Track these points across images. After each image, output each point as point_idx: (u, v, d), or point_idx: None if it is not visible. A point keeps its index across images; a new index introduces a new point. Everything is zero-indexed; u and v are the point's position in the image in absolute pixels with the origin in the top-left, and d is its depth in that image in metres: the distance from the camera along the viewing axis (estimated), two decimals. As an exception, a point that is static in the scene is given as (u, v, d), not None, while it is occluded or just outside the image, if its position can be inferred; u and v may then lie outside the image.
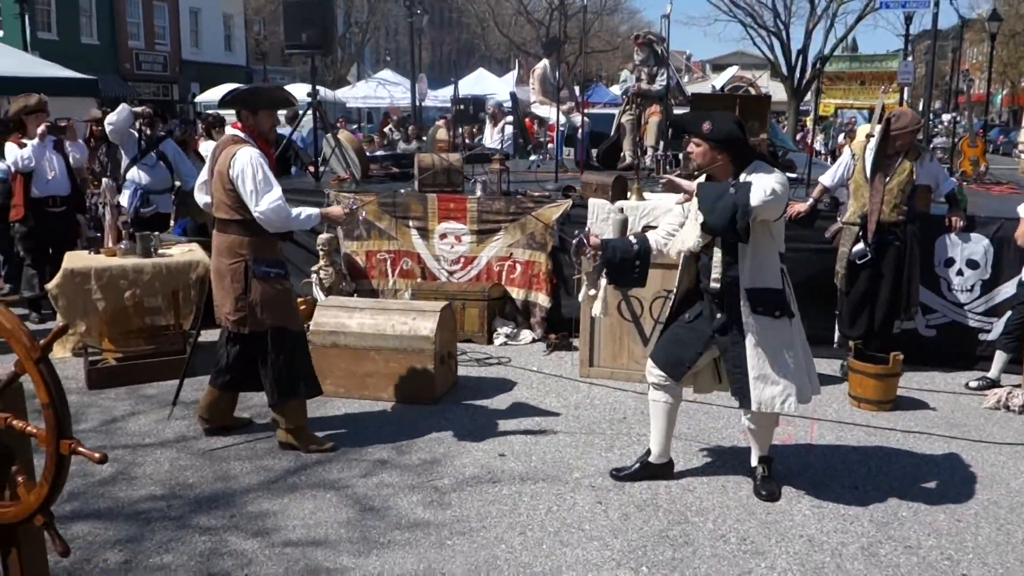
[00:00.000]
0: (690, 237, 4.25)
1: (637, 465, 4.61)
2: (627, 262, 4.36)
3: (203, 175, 4.95)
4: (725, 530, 4.09)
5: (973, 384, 6.18)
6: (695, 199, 4.14)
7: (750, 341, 4.12)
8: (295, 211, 4.65)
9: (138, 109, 7.84)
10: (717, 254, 4.15)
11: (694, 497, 4.42)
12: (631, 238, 4.51)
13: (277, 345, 4.78)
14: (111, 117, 7.66)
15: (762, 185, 3.92)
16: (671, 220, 4.44)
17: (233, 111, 4.83)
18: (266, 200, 4.52)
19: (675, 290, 4.48)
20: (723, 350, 4.27)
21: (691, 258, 4.33)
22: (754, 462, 4.54)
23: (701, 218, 4.07)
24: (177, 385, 5.57)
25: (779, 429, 5.26)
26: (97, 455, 2.29)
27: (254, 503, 4.31)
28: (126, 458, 4.82)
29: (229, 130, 4.88)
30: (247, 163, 4.53)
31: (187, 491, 4.43)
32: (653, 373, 4.45)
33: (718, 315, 4.22)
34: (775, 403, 4.15)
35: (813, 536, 4.04)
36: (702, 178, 4.29)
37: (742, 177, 4.07)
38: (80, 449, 2.30)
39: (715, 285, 4.19)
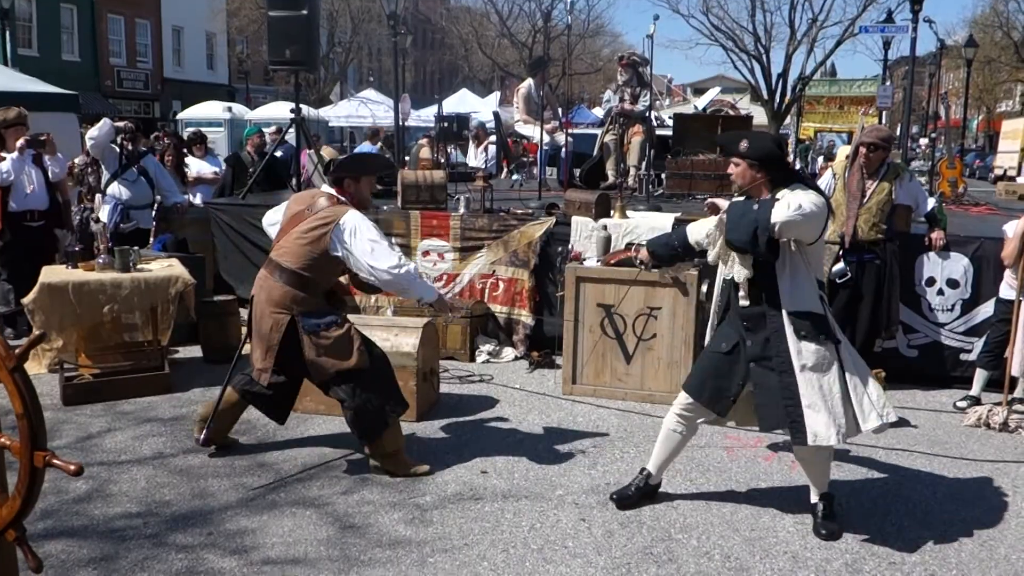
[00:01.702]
0: (736, 266, 4.12)
1: (635, 487, 4.51)
2: (674, 256, 4.49)
3: (273, 216, 4.98)
4: (709, 547, 4.06)
5: (961, 404, 6.19)
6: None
7: (798, 368, 3.97)
8: (415, 286, 4.66)
9: (119, 124, 7.79)
10: (742, 273, 4.05)
11: (678, 514, 4.40)
12: (673, 240, 4.47)
13: (345, 387, 4.67)
14: (92, 132, 7.61)
15: (787, 201, 3.84)
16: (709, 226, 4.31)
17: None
18: (386, 261, 4.52)
19: (713, 314, 4.42)
20: (757, 381, 4.09)
21: (731, 281, 4.21)
22: (814, 498, 4.30)
23: (721, 228, 4.04)
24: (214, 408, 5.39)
25: (762, 448, 5.26)
26: (72, 467, 2.25)
27: (232, 520, 4.24)
28: (102, 475, 4.75)
29: (326, 188, 4.79)
30: (362, 225, 4.54)
31: (164, 508, 4.36)
32: (685, 405, 4.31)
33: (748, 343, 4.09)
34: (830, 436, 3.93)
35: (797, 553, 4.02)
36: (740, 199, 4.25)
37: (779, 194, 3.98)
38: (55, 461, 2.25)
39: (743, 303, 4.10)
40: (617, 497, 4.49)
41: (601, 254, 6.50)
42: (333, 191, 4.71)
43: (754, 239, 3.86)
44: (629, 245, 6.50)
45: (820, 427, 3.94)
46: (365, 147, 15.39)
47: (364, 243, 4.50)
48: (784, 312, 4.00)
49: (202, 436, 4.99)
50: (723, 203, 4.21)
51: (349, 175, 4.74)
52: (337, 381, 4.67)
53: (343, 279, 7.31)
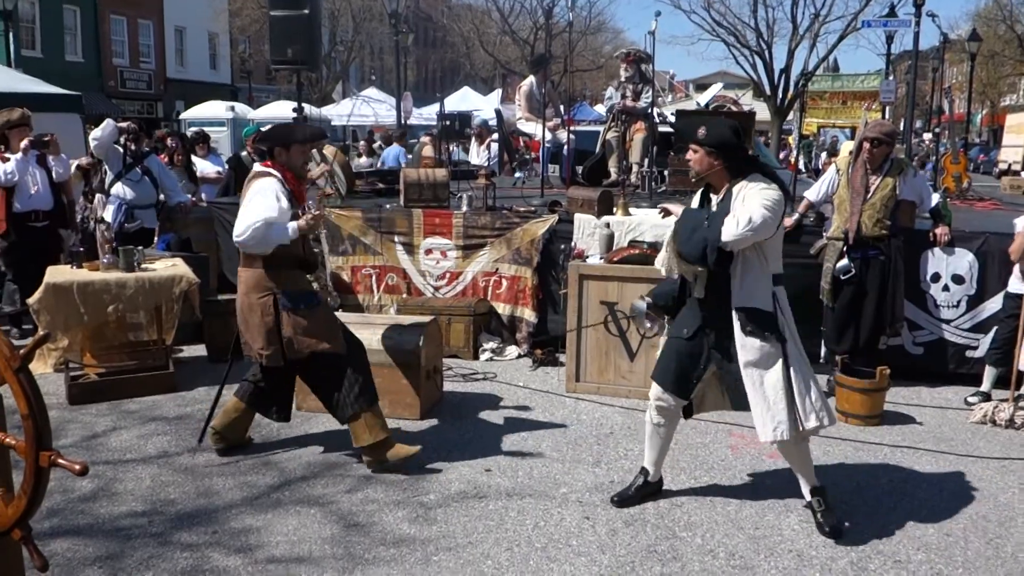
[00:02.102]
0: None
1: (635, 487, 4.52)
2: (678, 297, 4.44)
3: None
4: (714, 545, 4.06)
5: (971, 399, 6.16)
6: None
7: (742, 363, 4.06)
8: (271, 231, 4.57)
9: (123, 124, 7.80)
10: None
11: (682, 512, 4.39)
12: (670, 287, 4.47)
13: (319, 370, 4.75)
14: (95, 133, 7.61)
15: (737, 217, 3.86)
16: None
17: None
18: (243, 222, 4.51)
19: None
20: (719, 366, 4.19)
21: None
22: (806, 495, 4.32)
23: (676, 239, 4.12)
24: (210, 410, 5.41)
25: (766, 445, 5.26)
26: (78, 466, 2.25)
27: (237, 519, 4.25)
28: (107, 474, 4.75)
29: (257, 167, 4.83)
30: (256, 190, 4.57)
31: (169, 507, 4.37)
32: (658, 395, 4.35)
33: (707, 329, 4.17)
34: (767, 433, 4.05)
35: (802, 551, 4.01)
36: (695, 198, 4.27)
37: (735, 188, 4.02)
38: (60, 460, 2.26)
39: (698, 294, 4.18)
40: (618, 499, 4.48)
41: (604, 251, 6.50)
42: (261, 168, 4.76)
43: (703, 256, 3.96)
44: (632, 243, 6.49)
45: (759, 423, 4.07)
46: (393, 151, 15.35)
47: (245, 202, 4.58)
48: (732, 307, 4.06)
49: (218, 447, 5.04)
50: (676, 209, 4.29)
51: (278, 144, 4.75)
52: (311, 363, 4.72)
53: (345, 275, 7.34)
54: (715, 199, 4.15)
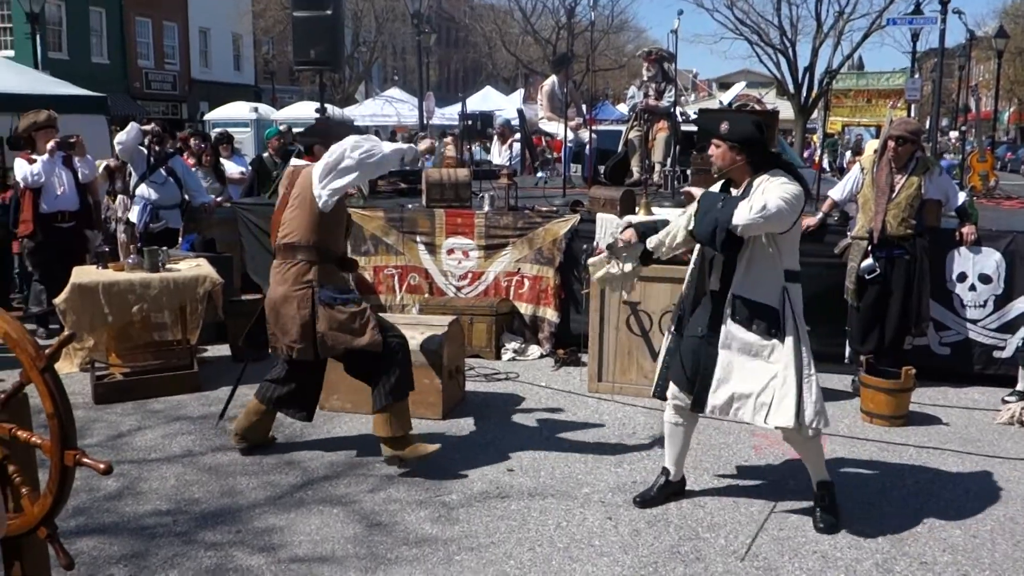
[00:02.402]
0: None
1: (657, 487, 4.50)
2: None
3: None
4: (737, 546, 4.03)
5: (1009, 399, 6.09)
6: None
7: (723, 348, 4.08)
8: (383, 149, 4.56)
9: (147, 127, 7.86)
10: (718, 258, 4.13)
11: (705, 513, 4.37)
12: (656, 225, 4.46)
13: (357, 366, 4.78)
14: (120, 136, 7.67)
15: (753, 201, 3.85)
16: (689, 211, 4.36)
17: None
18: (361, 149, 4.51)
19: (683, 295, 4.41)
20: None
21: (699, 262, 4.30)
22: (814, 487, 4.33)
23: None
24: (225, 401, 5.53)
25: (788, 447, 5.22)
26: (102, 465, 2.27)
27: (260, 518, 4.27)
28: (132, 473, 4.79)
29: (295, 161, 4.87)
30: (321, 161, 4.58)
31: (193, 506, 4.40)
32: (675, 395, 4.34)
33: (708, 320, 4.17)
34: (729, 409, 4.11)
35: (827, 552, 3.98)
36: (717, 185, 4.25)
37: (756, 182, 4.01)
38: (85, 460, 2.28)
39: (714, 287, 4.17)
40: (640, 500, 4.47)
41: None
42: (304, 161, 4.79)
43: (712, 237, 3.93)
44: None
45: (720, 400, 4.11)
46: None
47: (330, 161, 4.54)
48: (730, 293, 4.07)
49: (240, 447, 5.07)
50: (698, 191, 4.24)
51: (319, 141, 4.78)
52: (349, 359, 4.74)
53: (368, 275, 7.37)
54: (735, 192, 4.12)
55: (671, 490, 4.52)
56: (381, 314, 5.17)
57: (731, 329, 4.08)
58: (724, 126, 4.06)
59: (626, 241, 4.44)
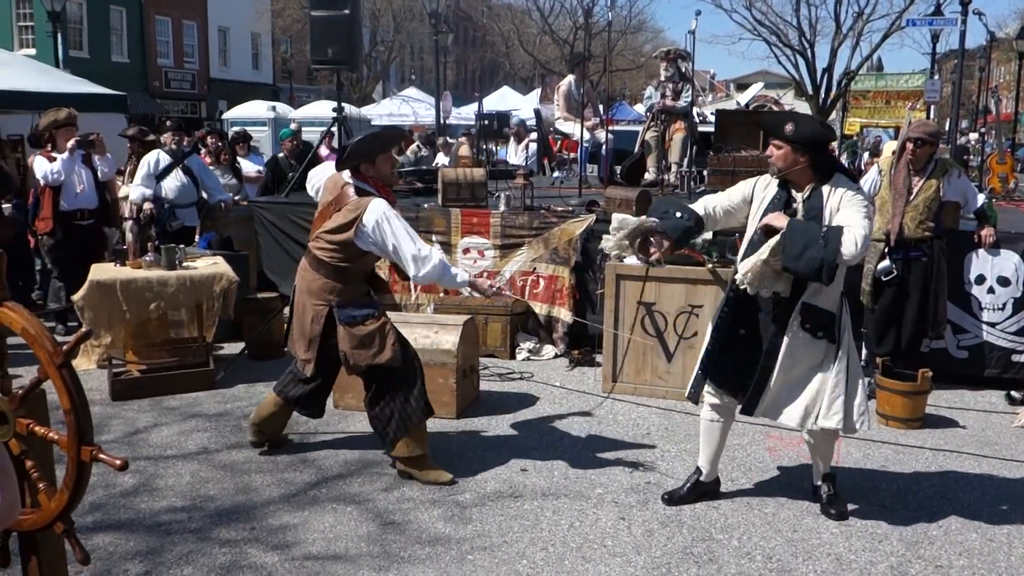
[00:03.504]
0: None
1: (688, 486, 4.49)
2: (690, 233, 4.26)
3: (314, 179, 4.99)
4: (750, 548, 4.02)
5: (1016, 395, 6.09)
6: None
7: (784, 352, 4.05)
8: (448, 273, 4.57)
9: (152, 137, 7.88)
10: (769, 242, 3.97)
11: (719, 514, 4.36)
12: (684, 218, 4.22)
13: (375, 383, 4.68)
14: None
15: (854, 235, 3.81)
16: (729, 200, 4.27)
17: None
18: (421, 261, 4.46)
19: (727, 298, 4.29)
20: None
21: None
22: (816, 480, 4.40)
23: (776, 254, 3.91)
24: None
25: (805, 446, 5.20)
26: (119, 461, 2.29)
27: (274, 516, 4.29)
28: (148, 470, 4.82)
29: (346, 176, 4.66)
30: (383, 218, 4.44)
31: (208, 503, 4.42)
32: (715, 394, 4.33)
33: (772, 326, 4.11)
34: (778, 414, 4.12)
35: (841, 555, 3.96)
36: (769, 185, 4.17)
37: (825, 190, 3.98)
38: (101, 456, 2.30)
39: (778, 293, 4.07)
40: (668, 497, 4.46)
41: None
42: (353, 180, 4.61)
43: (819, 273, 3.84)
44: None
45: (767, 404, 4.11)
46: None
47: (388, 237, 4.45)
48: (800, 301, 4.04)
49: (253, 440, 5.09)
50: (780, 222, 4.00)
51: (363, 160, 4.62)
52: (369, 375, 4.68)
53: (383, 273, 7.38)
54: (800, 196, 4.07)
55: (703, 490, 4.50)
56: (392, 313, 5.14)
57: (799, 336, 4.05)
58: (789, 127, 4.00)
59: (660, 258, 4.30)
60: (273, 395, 5.02)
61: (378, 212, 4.45)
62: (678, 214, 4.18)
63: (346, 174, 4.66)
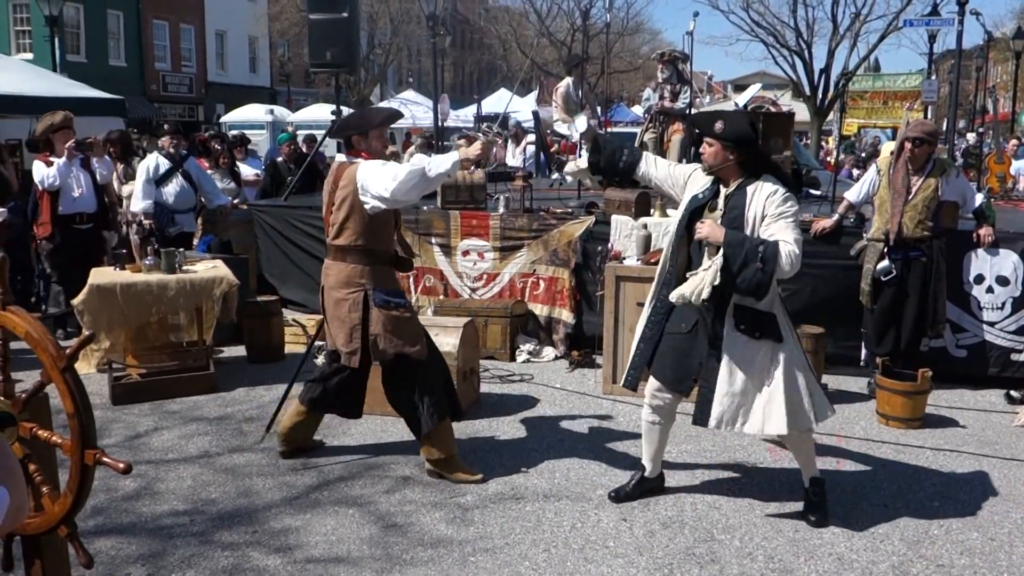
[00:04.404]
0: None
1: (633, 483, 4.53)
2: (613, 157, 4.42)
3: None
4: (752, 548, 4.03)
5: (1015, 394, 6.10)
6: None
7: (726, 358, 4.07)
8: (426, 166, 4.38)
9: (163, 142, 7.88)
10: (714, 262, 3.98)
11: (720, 515, 4.36)
12: (624, 151, 4.45)
13: (402, 373, 4.66)
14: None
15: (789, 253, 3.87)
16: (675, 174, 4.38)
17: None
18: (390, 175, 4.38)
19: (655, 287, 4.33)
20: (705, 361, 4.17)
21: (679, 242, 4.21)
22: (805, 483, 4.38)
23: (713, 266, 3.94)
24: (275, 409, 5.47)
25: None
26: (121, 465, 2.29)
27: (277, 519, 4.29)
28: (150, 473, 4.82)
29: (340, 157, 4.72)
30: (368, 166, 4.47)
31: (210, 507, 4.42)
32: (655, 394, 4.34)
33: (707, 322, 4.13)
34: (735, 423, 4.09)
35: (843, 555, 3.97)
36: (707, 181, 4.21)
37: (749, 188, 4.03)
38: (104, 459, 2.30)
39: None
40: (615, 494, 4.51)
41: (641, 253, 6.47)
42: (345, 156, 4.66)
43: (756, 292, 3.91)
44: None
45: (726, 415, 4.08)
46: None
47: (375, 175, 4.43)
48: (731, 303, 4.06)
49: (282, 450, 5.04)
50: (715, 233, 3.98)
51: (355, 132, 4.66)
52: (395, 366, 4.64)
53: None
54: (724, 191, 4.13)
55: (648, 486, 4.54)
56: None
57: (735, 339, 4.07)
58: (719, 125, 4.06)
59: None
60: (297, 404, 4.98)
61: (367, 165, 4.49)
62: (621, 152, 4.40)
63: (339, 155, 4.71)
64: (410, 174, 4.36)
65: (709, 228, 4.02)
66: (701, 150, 4.21)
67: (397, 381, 4.70)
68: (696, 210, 4.18)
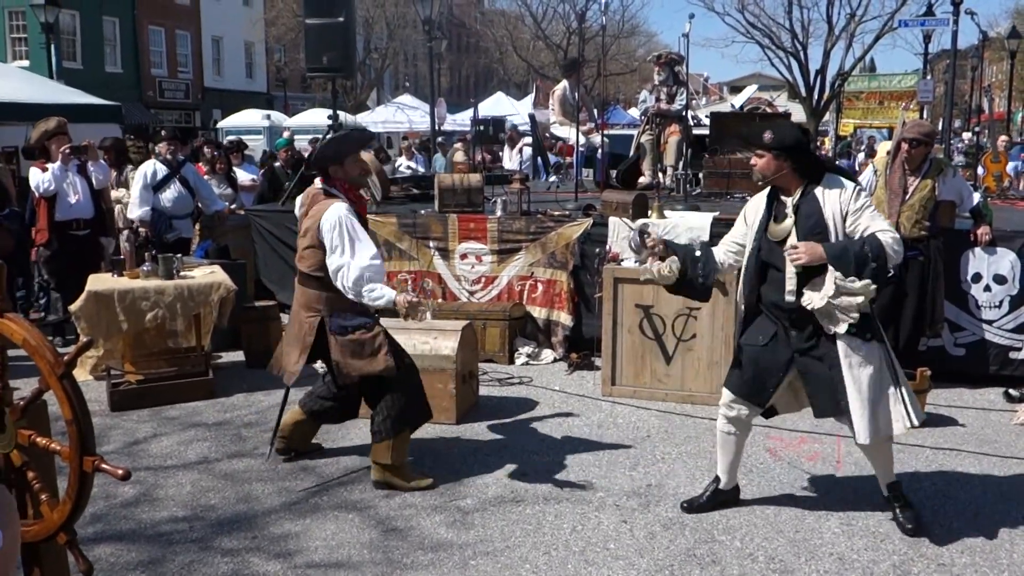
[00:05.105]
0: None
1: (707, 495, 4.46)
2: (694, 276, 4.20)
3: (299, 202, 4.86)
4: (753, 548, 4.02)
5: (1013, 393, 6.11)
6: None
7: (846, 365, 3.96)
8: (372, 287, 4.37)
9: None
10: (790, 267, 3.98)
11: (720, 515, 4.36)
12: (696, 250, 4.27)
13: (369, 390, 4.70)
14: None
15: (890, 242, 3.85)
16: (735, 236, 4.28)
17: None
18: (351, 269, 4.36)
19: (740, 307, 4.31)
20: (805, 371, 4.09)
21: (755, 272, 4.15)
22: (884, 492, 4.29)
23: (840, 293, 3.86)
24: (277, 420, 5.38)
25: (805, 447, 5.21)
26: (120, 471, 2.29)
27: (276, 524, 4.28)
28: (149, 480, 4.82)
29: (317, 183, 4.70)
30: (335, 222, 4.40)
31: (209, 513, 4.41)
32: (729, 403, 4.27)
33: (793, 333, 4.06)
34: (867, 434, 3.96)
35: (843, 554, 3.97)
36: (759, 200, 4.17)
37: (818, 192, 3.98)
38: (103, 466, 2.30)
39: (790, 299, 4.02)
40: (687, 505, 4.43)
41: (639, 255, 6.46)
42: (322, 186, 4.64)
43: (881, 282, 3.91)
44: (643, 231, 6.10)
45: (861, 426, 3.95)
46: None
47: (335, 251, 4.40)
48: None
49: (273, 448, 5.07)
50: (815, 253, 3.89)
51: (330, 163, 4.62)
52: (362, 385, 4.67)
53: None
54: (790, 201, 4.06)
55: (722, 498, 4.45)
56: (390, 319, 5.11)
57: (851, 343, 3.96)
58: (768, 135, 4.02)
59: (639, 250, 4.27)
60: (297, 409, 5.03)
61: (335, 214, 4.43)
62: (696, 268, 4.20)
63: (317, 181, 4.70)
64: (355, 284, 4.35)
65: (805, 251, 3.89)
66: (752, 163, 4.17)
67: (367, 391, 4.74)
68: (763, 230, 4.11)
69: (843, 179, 4.08)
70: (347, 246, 4.39)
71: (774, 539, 4.11)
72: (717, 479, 4.47)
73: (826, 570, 3.84)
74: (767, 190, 4.19)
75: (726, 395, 4.30)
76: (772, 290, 4.11)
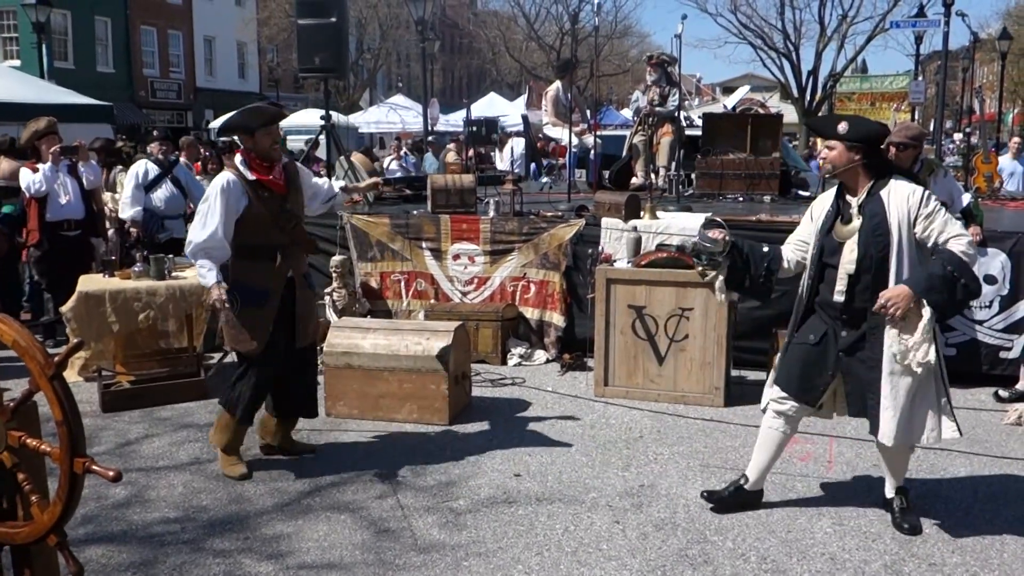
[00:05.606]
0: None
1: (730, 491, 4.43)
2: (757, 274, 4.21)
3: None
4: (745, 549, 4.03)
5: (1003, 394, 6.13)
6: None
7: (888, 369, 3.92)
8: (202, 263, 4.55)
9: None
10: (842, 268, 3.96)
11: (712, 516, 4.36)
12: (763, 246, 4.27)
13: (237, 363, 4.84)
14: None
15: (963, 246, 3.81)
16: (801, 235, 4.25)
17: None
18: (194, 239, 4.55)
19: (797, 306, 4.27)
20: (847, 371, 4.07)
21: (816, 271, 4.12)
22: (889, 493, 4.30)
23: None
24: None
25: (797, 447, 5.22)
26: (111, 473, 2.28)
27: (268, 526, 4.27)
28: (140, 481, 4.80)
29: (237, 159, 4.80)
30: (208, 193, 4.60)
31: (201, 514, 4.40)
32: (780, 398, 4.23)
33: (843, 333, 4.04)
34: (899, 438, 3.95)
35: (835, 554, 3.98)
36: (823, 202, 4.16)
37: (883, 194, 3.92)
38: (94, 467, 2.29)
39: (839, 298, 4.00)
40: (708, 495, 4.43)
41: (631, 255, 6.48)
42: (229, 158, 4.81)
43: (972, 297, 3.92)
44: (660, 246, 6.44)
45: (892, 428, 3.93)
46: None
47: (200, 208, 4.60)
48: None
49: (263, 444, 5.15)
50: (901, 299, 3.81)
51: (240, 132, 4.76)
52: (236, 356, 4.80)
53: (374, 281, 7.33)
54: (855, 201, 4.01)
55: (743, 499, 4.41)
56: (383, 319, 5.12)
57: (901, 342, 3.88)
58: (843, 125, 3.98)
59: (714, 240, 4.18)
60: (266, 414, 5.07)
61: (215, 184, 4.60)
62: (759, 267, 4.22)
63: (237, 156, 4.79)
64: (192, 255, 4.57)
65: (896, 301, 3.80)
66: (822, 155, 4.12)
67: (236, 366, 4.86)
68: (827, 231, 4.08)
69: (909, 181, 4.01)
70: (202, 217, 4.56)
71: (766, 539, 4.12)
72: (744, 478, 4.43)
73: (818, 570, 3.85)
74: (833, 189, 4.15)
75: (775, 391, 4.26)
76: (828, 289, 4.08)
